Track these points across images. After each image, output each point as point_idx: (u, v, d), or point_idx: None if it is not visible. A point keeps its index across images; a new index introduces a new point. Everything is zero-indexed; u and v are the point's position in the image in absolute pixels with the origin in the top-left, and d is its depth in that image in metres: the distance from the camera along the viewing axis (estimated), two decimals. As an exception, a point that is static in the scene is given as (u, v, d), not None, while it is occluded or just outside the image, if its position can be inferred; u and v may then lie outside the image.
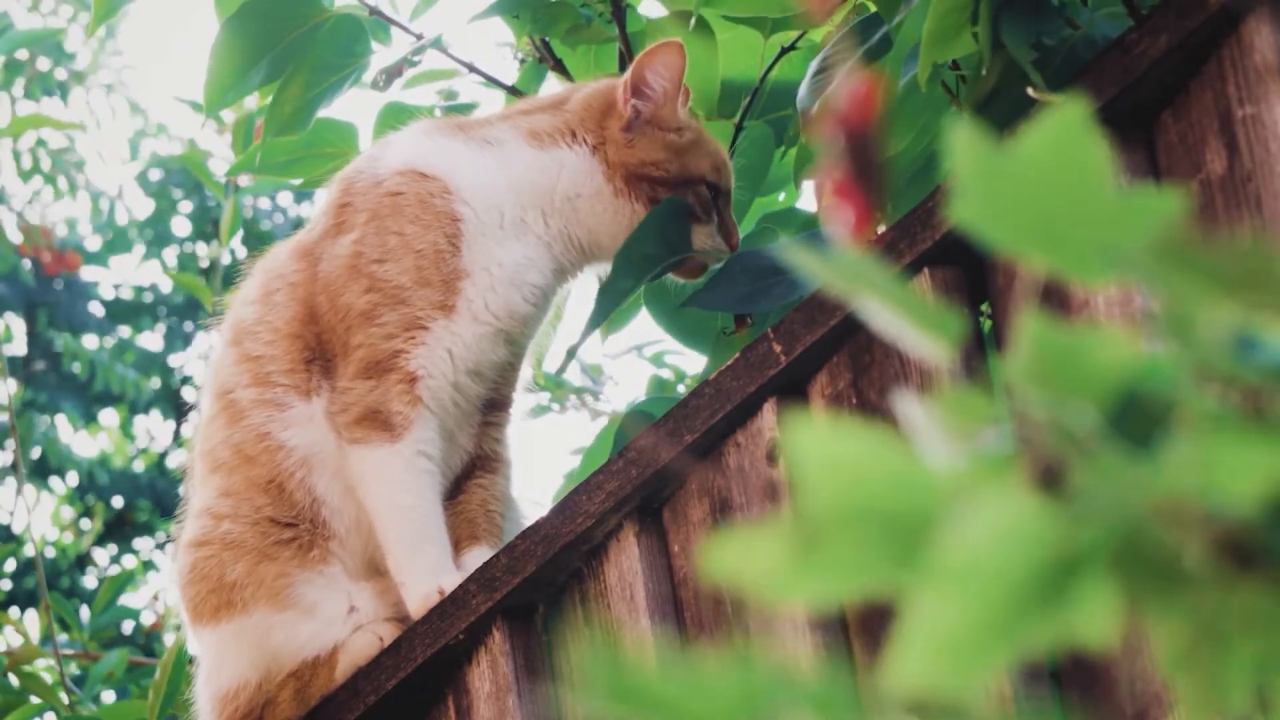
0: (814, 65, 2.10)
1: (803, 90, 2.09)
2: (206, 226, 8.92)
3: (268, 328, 2.27)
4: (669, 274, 2.30)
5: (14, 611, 6.85)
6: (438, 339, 2.20)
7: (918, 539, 0.72)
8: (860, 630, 1.77)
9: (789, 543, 0.73)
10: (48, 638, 3.60)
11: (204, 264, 8.82)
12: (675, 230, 2.27)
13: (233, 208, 3.81)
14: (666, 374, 3.91)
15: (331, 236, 2.27)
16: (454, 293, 2.21)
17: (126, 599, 6.86)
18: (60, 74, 8.27)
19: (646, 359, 3.95)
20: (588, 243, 2.29)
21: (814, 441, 0.73)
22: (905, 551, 0.73)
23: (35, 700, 3.38)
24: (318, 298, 2.25)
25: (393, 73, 2.60)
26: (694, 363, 3.82)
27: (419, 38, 2.63)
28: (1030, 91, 1.80)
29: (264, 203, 8.83)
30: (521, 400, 2.35)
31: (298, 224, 8.61)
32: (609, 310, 2.21)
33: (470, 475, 2.28)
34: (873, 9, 2.10)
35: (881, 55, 2.02)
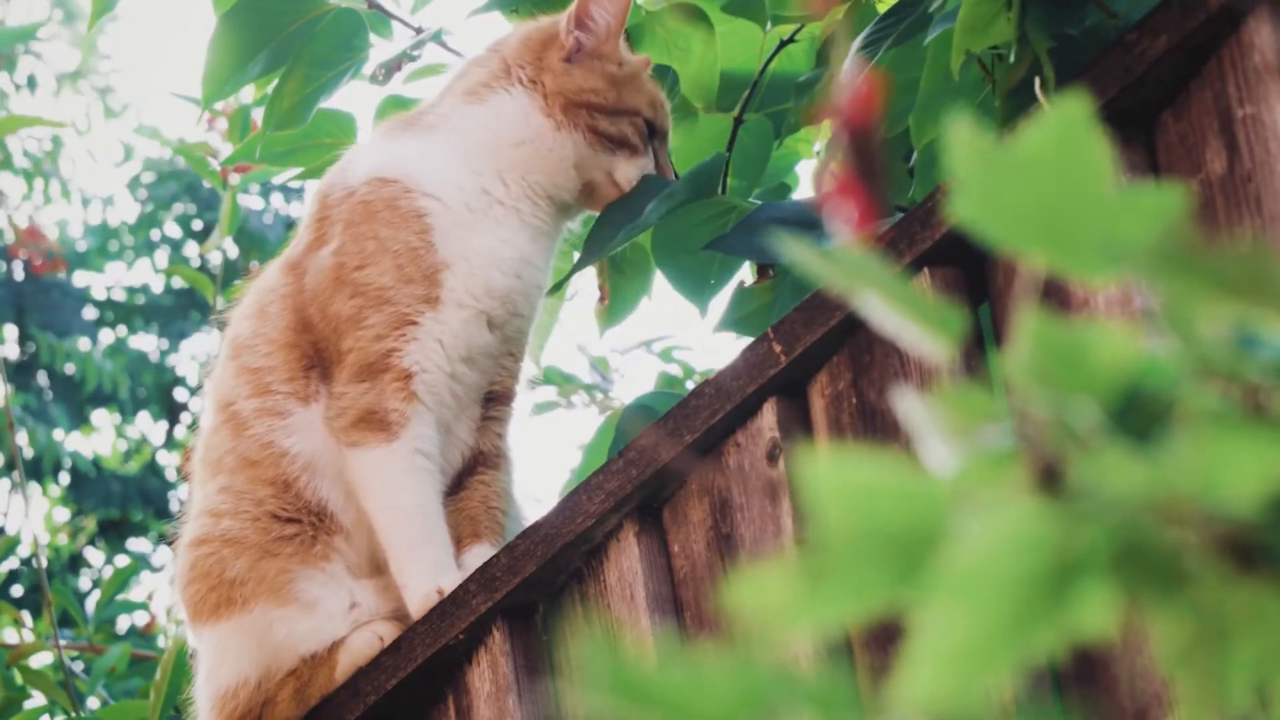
0: (859, 41, 2.08)
1: (847, 65, 2.07)
2: (198, 230, 8.92)
3: (264, 339, 2.29)
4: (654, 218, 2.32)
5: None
6: (427, 332, 2.22)
7: (925, 555, 0.72)
8: (861, 633, 1.77)
9: (800, 574, 0.73)
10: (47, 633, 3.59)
11: (196, 264, 8.81)
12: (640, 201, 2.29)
13: (231, 201, 3.81)
14: (675, 369, 3.90)
15: (314, 249, 2.31)
16: (436, 285, 2.23)
17: (125, 595, 6.85)
18: (44, 72, 8.27)
19: (655, 354, 3.95)
20: (549, 188, 2.31)
21: (825, 471, 0.73)
22: (913, 569, 0.72)
23: (36, 697, 3.38)
24: (308, 309, 2.27)
25: (392, 67, 2.61)
26: (702, 359, 3.81)
27: (418, 31, 2.63)
28: (1035, 86, 1.79)
29: (256, 203, 8.83)
30: (523, 395, 2.36)
31: (289, 223, 8.60)
32: (597, 253, 2.25)
33: (472, 472, 2.29)
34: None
35: (917, 34, 2.00)
